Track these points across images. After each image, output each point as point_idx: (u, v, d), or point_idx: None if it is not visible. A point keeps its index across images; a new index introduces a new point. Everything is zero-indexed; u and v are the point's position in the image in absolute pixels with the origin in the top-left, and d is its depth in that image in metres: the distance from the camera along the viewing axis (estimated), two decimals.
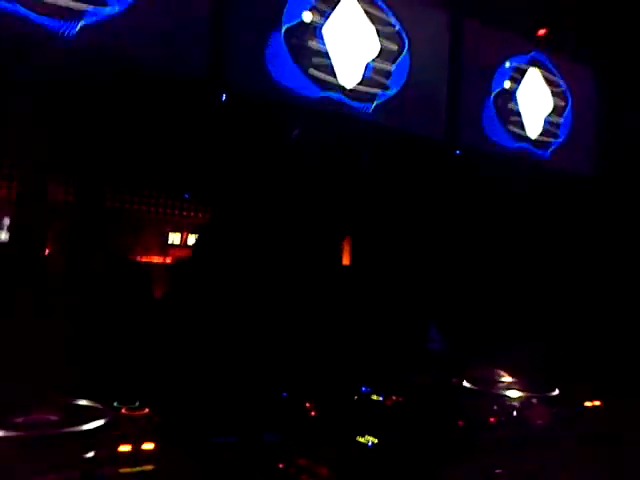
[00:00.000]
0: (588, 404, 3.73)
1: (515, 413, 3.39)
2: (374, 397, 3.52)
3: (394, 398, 3.51)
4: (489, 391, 3.77)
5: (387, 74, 5.52)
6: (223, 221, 5.14)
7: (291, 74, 4.95)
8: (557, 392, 3.83)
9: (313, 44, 5.10)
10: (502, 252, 6.02)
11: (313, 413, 3.20)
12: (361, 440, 2.87)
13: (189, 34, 4.52)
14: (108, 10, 4.18)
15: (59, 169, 4.49)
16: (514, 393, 3.72)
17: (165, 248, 4.94)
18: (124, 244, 4.65)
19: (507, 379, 4.06)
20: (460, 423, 3.17)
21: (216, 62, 4.63)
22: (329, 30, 5.14)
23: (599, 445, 3.21)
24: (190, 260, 4.72)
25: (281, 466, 2.56)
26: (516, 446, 3.05)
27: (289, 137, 4.99)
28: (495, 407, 3.44)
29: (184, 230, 5.06)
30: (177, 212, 5.08)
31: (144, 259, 4.77)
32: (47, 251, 4.38)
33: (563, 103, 7.04)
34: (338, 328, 4.64)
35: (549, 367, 4.28)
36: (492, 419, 3.27)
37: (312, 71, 5.06)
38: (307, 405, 3.26)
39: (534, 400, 3.65)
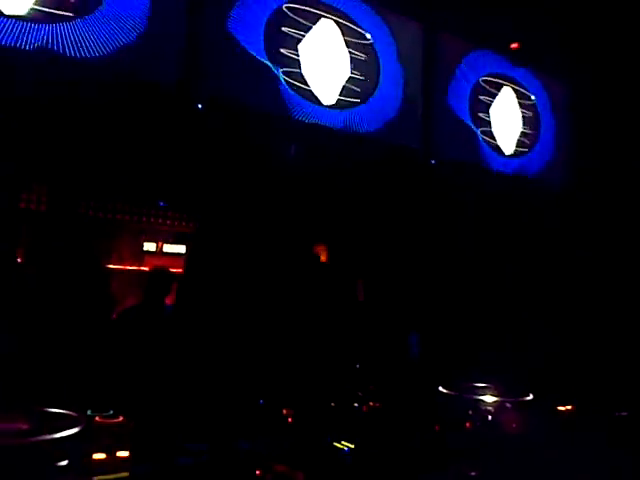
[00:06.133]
0: (561, 409, 3.78)
1: (490, 417, 3.42)
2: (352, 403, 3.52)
3: (371, 404, 3.52)
4: (465, 396, 3.80)
5: (362, 85, 5.58)
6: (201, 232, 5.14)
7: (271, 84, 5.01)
8: (531, 397, 3.87)
9: (292, 56, 5.17)
10: (481, 262, 6.09)
11: (290, 420, 3.20)
12: (338, 446, 2.88)
13: (164, 38, 4.53)
14: (87, 17, 4.18)
15: (33, 177, 4.44)
16: (489, 398, 3.75)
17: (140, 256, 4.90)
18: (98, 251, 4.59)
19: (482, 384, 4.09)
20: (436, 427, 3.19)
21: (191, 70, 4.64)
22: (306, 46, 5.22)
23: (573, 448, 3.25)
24: (168, 270, 4.68)
25: (258, 472, 2.55)
26: (490, 449, 3.08)
27: (263, 147, 5.00)
28: (470, 412, 3.46)
29: (159, 238, 5.03)
30: (152, 220, 5.05)
31: (116, 266, 4.73)
32: (19, 259, 4.31)
33: (535, 116, 7.19)
34: (317, 337, 4.64)
35: (524, 373, 4.33)
36: (467, 423, 3.30)
37: (291, 82, 5.12)
38: (284, 412, 3.26)
39: (508, 405, 3.69)
